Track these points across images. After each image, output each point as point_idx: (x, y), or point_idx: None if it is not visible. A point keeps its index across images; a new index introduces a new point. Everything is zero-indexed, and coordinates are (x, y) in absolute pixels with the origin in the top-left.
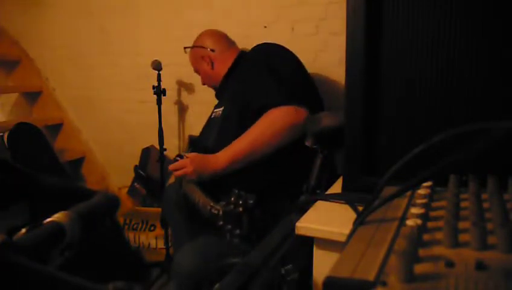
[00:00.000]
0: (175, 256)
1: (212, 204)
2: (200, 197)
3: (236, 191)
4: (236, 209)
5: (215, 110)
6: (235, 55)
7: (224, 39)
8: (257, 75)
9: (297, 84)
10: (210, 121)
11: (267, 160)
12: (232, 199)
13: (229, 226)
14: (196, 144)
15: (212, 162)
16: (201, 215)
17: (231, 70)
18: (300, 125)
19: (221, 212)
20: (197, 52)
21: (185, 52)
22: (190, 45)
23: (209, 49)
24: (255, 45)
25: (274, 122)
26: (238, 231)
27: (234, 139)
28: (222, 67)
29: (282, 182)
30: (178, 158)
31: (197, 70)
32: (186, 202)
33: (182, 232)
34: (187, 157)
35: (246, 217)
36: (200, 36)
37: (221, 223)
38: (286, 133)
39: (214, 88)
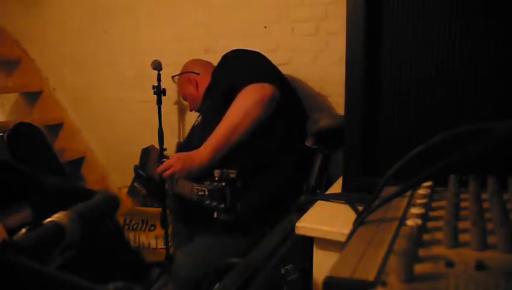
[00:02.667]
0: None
1: (197, 187)
2: (186, 186)
3: (219, 170)
4: (219, 185)
5: (197, 120)
6: None
7: (207, 64)
8: (223, 69)
9: (262, 66)
10: (193, 129)
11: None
12: (216, 177)
13: (215, 203)
14: (182, 150)
15: (196, 156)
16: (197, 213)
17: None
18: (269, 99)
19: (207, 192)
20: (184, 77)
21: (173, 80)
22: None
23: (194, 73)
24: (255, 44)
25: (242, 102)
26: (222, 205)
27: None
28: (204, 88)
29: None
30: (164, 159)
31: (184, 95)
32: (180, 204)
33: (182, 236)
34: (173, 156)
35: (229, 190)
36: (186, 64)
37: (207, 202)
38: (257, 109)
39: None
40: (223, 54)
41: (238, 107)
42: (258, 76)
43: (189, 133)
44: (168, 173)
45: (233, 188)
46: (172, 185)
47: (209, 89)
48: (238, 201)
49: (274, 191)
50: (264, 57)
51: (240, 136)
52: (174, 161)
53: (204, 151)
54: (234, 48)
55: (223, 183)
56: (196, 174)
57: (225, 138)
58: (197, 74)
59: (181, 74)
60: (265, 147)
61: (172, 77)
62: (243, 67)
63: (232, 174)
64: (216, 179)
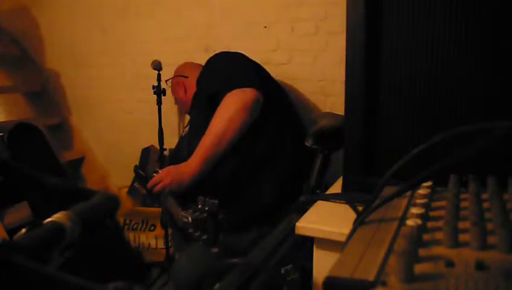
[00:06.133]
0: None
1: (183, 213)
2: (173, 207)
3: (202, 198)
4: (202, 216)
5: (185, 129)
6: None
7: (197, 67)
8: (205, 76)
9: (243, 70)
10: (181, 139)
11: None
12: (199, 205)
13: (197, 233)
14: (172, 160)
15: (185, 168)
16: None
17: None
18: (252, 104)
19: (190, 220)
20: (174, 80)
21: (167, 84)
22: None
23: (183, 76)
24: (255, 44)
25: (226, 111)
26: (205, 236)
27: None
28: (193, 92)
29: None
30: (154, 174)
31: (176, 99)
32: (172, 218)
33: (180, 241)
34: (162, 170)
35: (211, 222)
36: (177, 67)
37: (191, 230)
38: (240, 115)
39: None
40: None
41: (222, 114)
42: (238, 81)
43: (177, 143)
44: (158, 187)
45: (215, 220)
46: (163, 200)
47: (195, 96)
48: (220, 232)
49: (270, 194)
50: (245, 58)
51: (228, 144)
52: (164, 175)
53: (193, 162)
54: (234, 48)
55: (205, 215)
56: (187, 186)
57: (212, 146)
58: (186, 77)
59: (172, 77)
60: (255, 152)
61: (166, 80)
62: (223, 73)
63: (214, 204)
64: (199, 207)
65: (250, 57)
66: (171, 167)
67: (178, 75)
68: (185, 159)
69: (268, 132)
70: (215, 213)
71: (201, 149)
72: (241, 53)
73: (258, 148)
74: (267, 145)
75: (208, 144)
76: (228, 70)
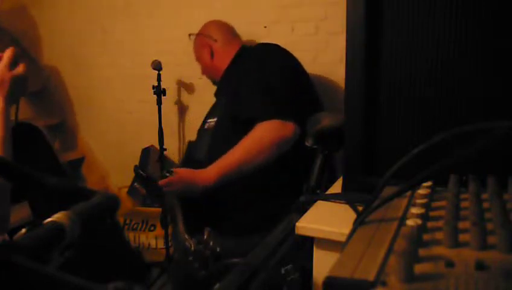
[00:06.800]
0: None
1: (186, 237)
2: (180, 224)
3: (209, 230)
4: (205, 252)
5: (208, 121)
6: (235, 51)
7: (228, 32)
8: (246, 86)
9: (288, 94)
10: (203, 132)
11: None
12: (205, 236)
13: (196, 265)
14: (189, 156)
15: (201, 177)
16: (193, 224)
17: (230, 66)
18: (288, 140)
19: (193, 248)
20: (199, 39)
21: (190, 38)
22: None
23: (211, 39)
24: (254, 45)
25: (261, 138)
26: (203, 272)
27: (225, 152)
28: (222, 61)
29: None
30: (167, 174)
31: (197, 59)
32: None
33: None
34: (176, 173)
35: (211, 260)
36: (206, 24)
37: (190, 258)
38: (273, 148)
39: (214, 82)
40: None
41: (254, 141)
42: (279, 110)
43: (198, 137)
44: (168, 189)
45: (216, 260)
46: (168, 200)
47: (225, 80)
48: (219, 269)
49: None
50: (286, 66)
51: (250, 170)
52: (177, 180)
53: (211, 174)
54: None
55: (208, 252)
56: (197, 194)
57: (234, 167)
58: (215, 40)
59: (198, 34)
60: (280, 176)
61: (190, 34)
62: (264, 93)
63: (218, 247)
64: (205, 238)
65: None
66: (186, 171)
67: (205, 35)
68: (201, 162)
69: (296, 160)
70: (218, 255)
71: (221, 164)
72: (280, 52)
73: (283, 175)
74: (293, 171)
75: (230, 162)
76: (269, 90)
